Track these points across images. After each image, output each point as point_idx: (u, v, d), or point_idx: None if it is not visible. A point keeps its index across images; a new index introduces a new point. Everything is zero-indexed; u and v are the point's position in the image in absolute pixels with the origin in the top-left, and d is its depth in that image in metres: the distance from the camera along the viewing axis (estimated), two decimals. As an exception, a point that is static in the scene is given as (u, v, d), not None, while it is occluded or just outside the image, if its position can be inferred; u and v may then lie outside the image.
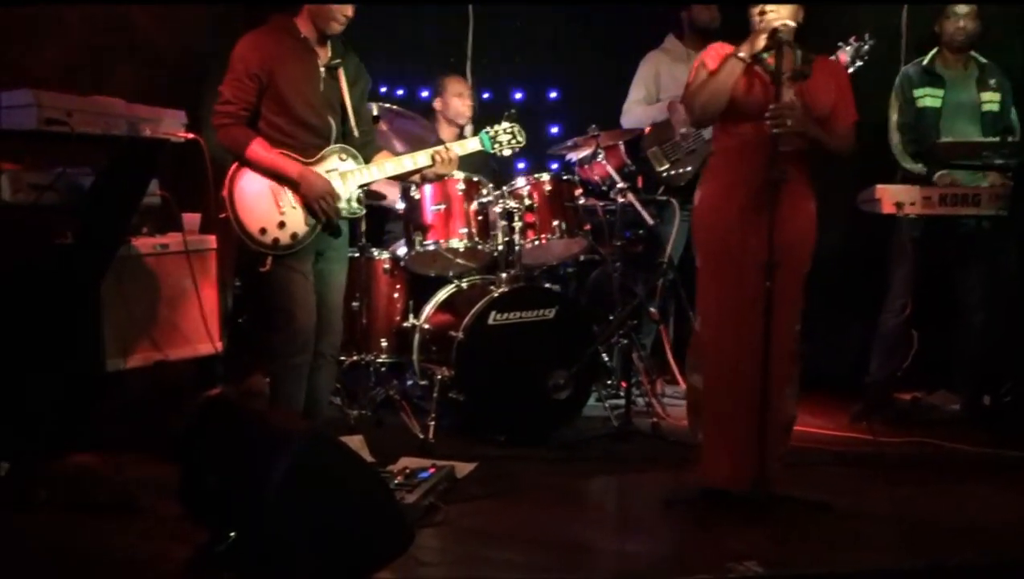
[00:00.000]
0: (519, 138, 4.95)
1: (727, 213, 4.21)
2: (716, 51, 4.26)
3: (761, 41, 4.10)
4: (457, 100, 6.33)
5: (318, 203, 4.49)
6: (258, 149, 4.45)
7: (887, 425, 5.73)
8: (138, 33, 5.57)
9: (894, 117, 5.96)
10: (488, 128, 4.97)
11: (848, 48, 5.58)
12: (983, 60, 5.93)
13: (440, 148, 4.77)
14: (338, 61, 4.62)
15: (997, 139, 5.64)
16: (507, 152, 4.97)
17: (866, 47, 5.61)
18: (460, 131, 6.36)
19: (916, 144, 5.84)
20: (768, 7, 4.10)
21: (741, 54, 4.10)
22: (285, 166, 4.48)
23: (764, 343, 4.01)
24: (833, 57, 5.48)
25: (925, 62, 5.95)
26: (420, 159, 4.73)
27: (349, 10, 4.53)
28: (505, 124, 4.96)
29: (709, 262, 4.30)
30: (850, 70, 5.57)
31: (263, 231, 4.47)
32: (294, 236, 4.51)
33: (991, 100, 5.86)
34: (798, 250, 4.20)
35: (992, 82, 5.87)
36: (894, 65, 6.22)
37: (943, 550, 3.92)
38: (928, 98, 5.87)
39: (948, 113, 5.85)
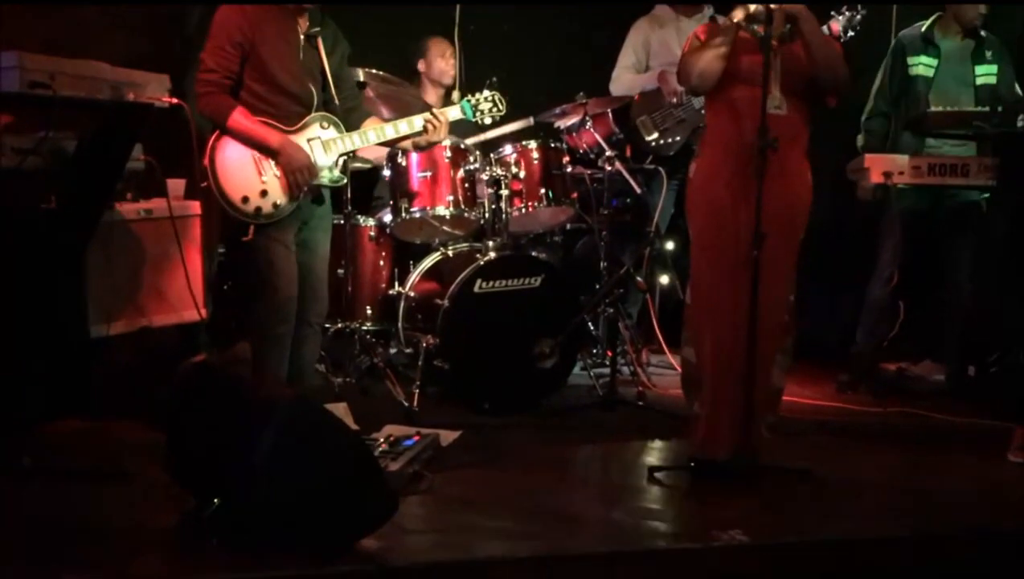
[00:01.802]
0: (500, 106, 4.98)
1: (722, 184, 4.20)
2: (707, 27, 4.30)
3: (751, 7, 4.11)
4: (440, 60, 6.28)
5: (294, 176, 4.47)
6: (240, 118, 4.43)
7: (872, 395, 5.75)
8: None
9: (878, 82, 5.95)
10: (470, 96, 4.98)
11: (841, 18, 5.56)
12: (982, 32, 5.86)
13: (430, 114, 4.75)
14: (317, 29, 4.62)
15: (987, 109, 5.61)
16: (488, 120, 5.01)
17: (858, 17, 5.59)
18: (446, 93, 6.32)
19: (904, 111, 5.82)
20: None
21: (736, 20, 4.11)
22: (266, 136, 4.46)
23: (752, 313, 4.02)
24: (824, 27, 5.49)
25: (924, 28, 5.89)
26: (412, 123, 4.73)
27: None
28: (487, 92, 4.97)
29: (704, 234, 4.28)
30: (842, 40, 5.57)
31: (245, 200, 4.45)
32: (276, 205, 4.50)
33: (987, 73, 5.80)
34: (793, 219, 4.20)
35: (989, 55, 5.81)
36: (885, 37, 6.19)
37: (927, 519, 3.95)
38: (921, 67, 5.82)
39: (940, 84, 5.81)
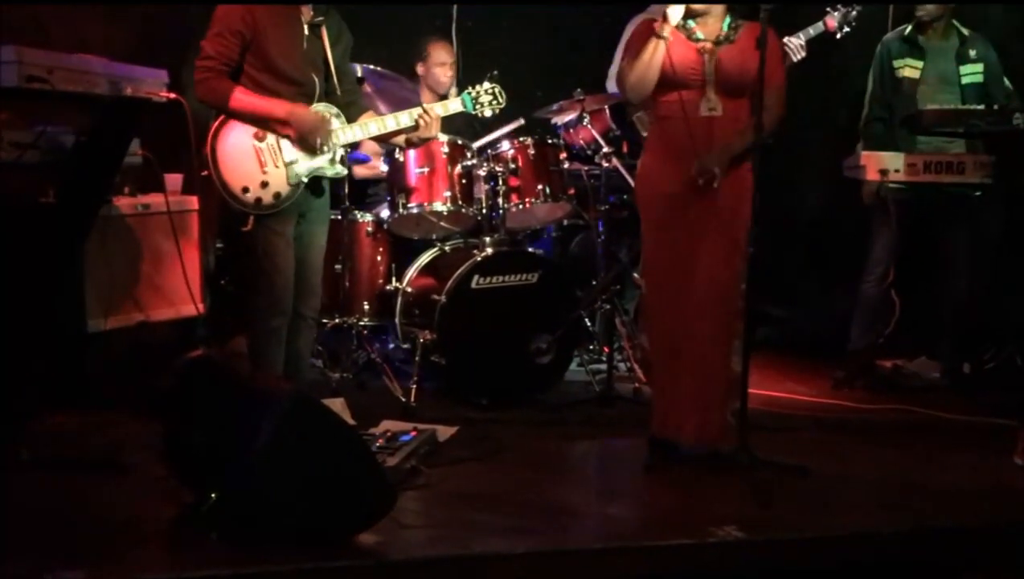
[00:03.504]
0: (500, 99, 4.97)
1: (667, 180, 4.33)
2: (643, 29, 4.35)
3: (672, 18, 4.21)
4: (439, 69, 6.24)
5: (312, 137, 4.48)
6: (241, 96, 4.42)
7: (868, 392, 5.75)
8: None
9: (870, 87, 5.95)
10: (470, 88, 4.97)
11: (836, 13, 5.58)
12: (965, 31, 5.85)
13: (422, 110, 4.75)
14: (320, 19, 4.59)
15: (982, 107, 5.62)
16: (488, 113, 4.99)
17: (854, 13, 5.61)
18: (441, 100, 6.31)
19: (895, 112, 5.82)
20: None
21: (664, 34, 4.20)
22: (271, 108, 4.46)
23: (748, 301, 4.19)
24: (820, 23, 5.53)
25: (907, 32, 5.90)
26: (403, 119, 4.74)
27: None
28: (487, 84, 4.96)
29: (651, 229, 4.43)
30: (838, 36, 5.59)
31: (245, 190, 4.44)
32: (277, 196, 4.49)
33: (972, 72, 5.79)
34: (738, 211, 4.27)
35: (973, 54, 5.79)
36: (880, 32, 6.19)
37: (923, 514, 3.95)
38: (908, 69, 5.81)
39: (926, 85, 5.80)
